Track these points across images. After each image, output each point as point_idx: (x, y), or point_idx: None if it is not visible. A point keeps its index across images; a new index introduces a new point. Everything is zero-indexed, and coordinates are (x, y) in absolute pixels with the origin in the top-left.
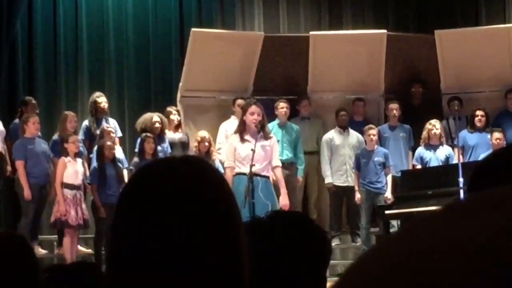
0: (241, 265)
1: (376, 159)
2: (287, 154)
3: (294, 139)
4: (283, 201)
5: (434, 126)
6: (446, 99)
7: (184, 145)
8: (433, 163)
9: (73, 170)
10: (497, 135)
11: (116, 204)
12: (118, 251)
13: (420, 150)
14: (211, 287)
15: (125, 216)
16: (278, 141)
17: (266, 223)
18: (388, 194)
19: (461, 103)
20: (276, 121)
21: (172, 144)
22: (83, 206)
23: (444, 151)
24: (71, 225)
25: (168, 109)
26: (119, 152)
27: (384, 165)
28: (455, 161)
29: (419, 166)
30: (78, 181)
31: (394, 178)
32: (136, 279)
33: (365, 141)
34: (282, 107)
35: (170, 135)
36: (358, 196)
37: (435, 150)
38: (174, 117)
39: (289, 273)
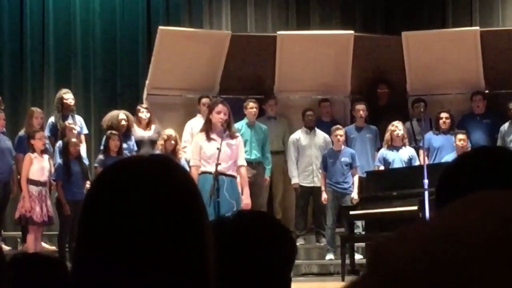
0: (207, 264)
1: (343, 159)
2: (256, 154)
3: (262, 139)
4: (245, 201)
5: (397, 127)
6: (411, 101)
7: (154, 143)
8: (396, 164)
9: (39, 167)
10: (460, 136)
11: (83, 203)
12: (84, 250)
13: (383, 151)
14: (177, 286)
15: (91, 215)
16: (246, 140)
17: (231, 222)
18: (355, 194)
19: (426, 104)
20: (245, 121)
21: (141, 142)
22: (48, 203)
23: (407, 152)
24: (35, 222)
25: (138, 107)
26: (81, 149)
27: (351, 166)
28: (417, 162)
29: (382, 167)
30: (44, 177)
31: (360, 179)
32: (101, 278)
33: (332, 141)
34: (251, 107)
35: (140, 132)
36: (324, 196)
37: (398, 151)
38: (142, 115)
39: (254, 273)
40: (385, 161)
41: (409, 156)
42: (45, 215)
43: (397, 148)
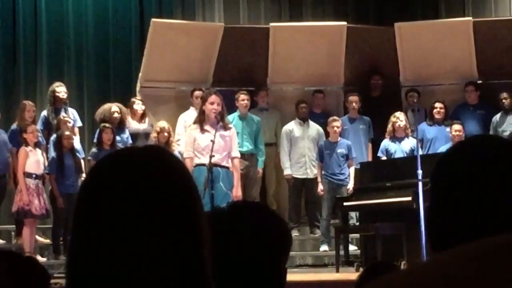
0: (203, 254)
1: (339, 150)
2: (248, 146)
3: (255, 131)
4: (236, 193)
5: (399, 118)
6: (405, 91)
7: (148, 136)
8: (398, 155)
9: (34, 160)
10: (456, 127)
11: (78, 196)
12: (79, 243)
13: (386, 142)
14: (173, 277)
15: (86, 208)
16: (238, 133)
17: (226, 212)
18: (351, 186)
19: (419, 95)
20: (237, 113)
21: (137, 135)
22: (45, 195)
23: (409, 143)
24: (34, 215)
25: (132, 99)
26: (76, 142)
27: (347, 157)
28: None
29: (384, 158)
30: (39, 170)
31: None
32: (97, 269)
33: (329, 132)
34: (242, 99)
35: (134, 125)
36: (320, 187)
37: (400, 142)
38: (138, 107)
39: (249, 263)
40: (387, 152)
41: (411, 147)
42: (43, 207)
43: (400, 139)
